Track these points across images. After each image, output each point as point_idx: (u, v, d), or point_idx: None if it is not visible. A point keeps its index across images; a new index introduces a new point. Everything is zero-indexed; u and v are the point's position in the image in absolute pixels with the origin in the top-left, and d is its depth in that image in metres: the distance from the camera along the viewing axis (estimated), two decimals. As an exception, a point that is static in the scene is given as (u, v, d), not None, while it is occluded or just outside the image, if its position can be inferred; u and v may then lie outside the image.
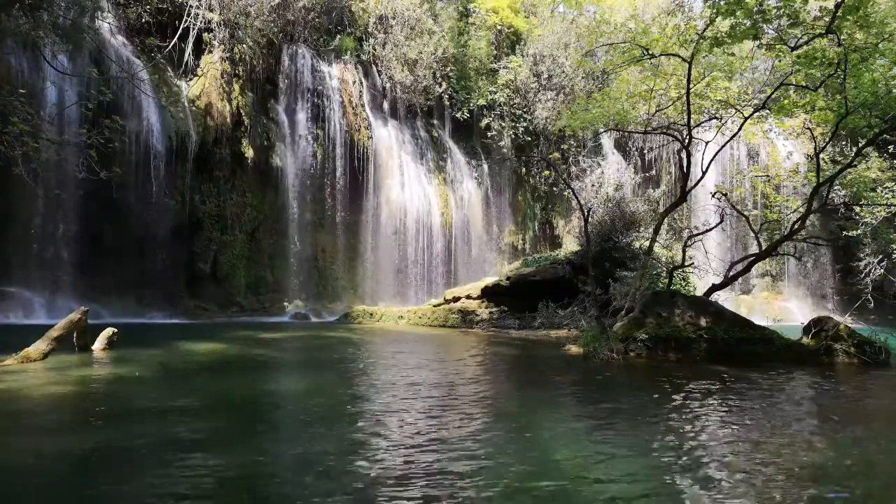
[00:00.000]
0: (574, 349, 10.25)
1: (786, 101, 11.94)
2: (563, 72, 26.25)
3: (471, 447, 4.19)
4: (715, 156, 12.75)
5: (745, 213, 14.94)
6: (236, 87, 20.57)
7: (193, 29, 19.57)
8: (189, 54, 19.72)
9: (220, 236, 19.73)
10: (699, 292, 13.35)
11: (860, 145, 11.67)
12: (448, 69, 25.36)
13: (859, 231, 18.77)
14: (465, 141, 26.92)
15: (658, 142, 27.12)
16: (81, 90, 15.94)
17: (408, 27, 24.45)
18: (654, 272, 14.79)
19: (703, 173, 12.67)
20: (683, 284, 15.89)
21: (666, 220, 14.64)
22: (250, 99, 21.02)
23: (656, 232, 12.63)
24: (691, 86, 11.31)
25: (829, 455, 4.29)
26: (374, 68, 24.42)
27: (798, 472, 3.82)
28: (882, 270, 20.47)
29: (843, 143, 20.18)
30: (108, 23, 18.06)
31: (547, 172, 26.38)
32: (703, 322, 9.75)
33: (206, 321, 17.31)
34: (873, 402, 6.75)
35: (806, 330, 10.17)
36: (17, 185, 14.05)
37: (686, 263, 13.10)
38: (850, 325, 10.10)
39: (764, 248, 12.63)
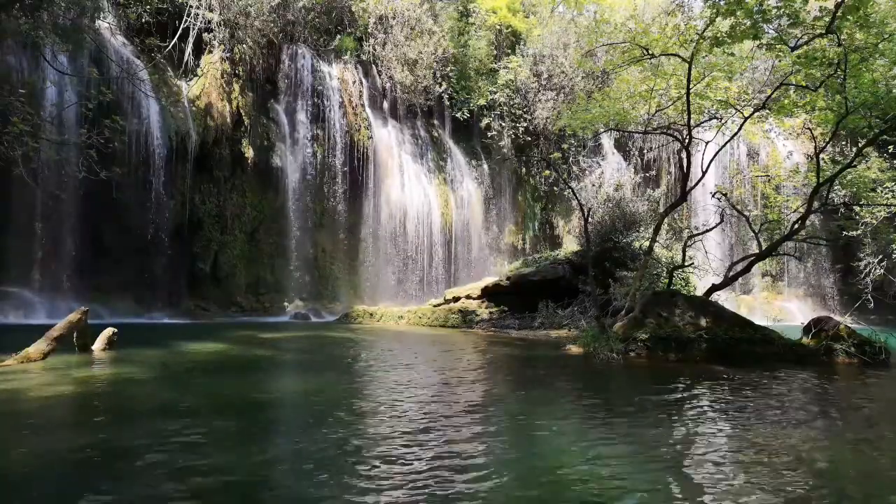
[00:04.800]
0: (574, 349, 10.25)
1: (786, 101, 11.95)
2: (563, 72, 26.24)
3: (471, 447, 4.19)
4: (715, 156, 12.77)
5: (745, 213, 14.94)
6: (236, 87, 20.57)
7: (193, 29, 19.57)
8: (189, 54, 19.72)
9: (220, 236, 19.73)
10: (699, 292, 13.35)
11: (860, 145, 11.67)
12: (448, 69, 25.35)
13: (859, 231, 18.77)
14: (465, 141, 26.92)
15: (658, 142, 27.11)
16: (81, 90, 15.93)
17: (408, 27, 24.45)
18: (654, 272, 14.80)
19: (703, 173, 12.68)
20: (683, 284, 15.89)
21: (666, 220, 14.65)
22: (250, 99, 21.02)
23: (656, 232, 12.64)
24: (691, 86, 11.32)
25: (830, 455, 4.29)
26: (374, 68, 24.42)
27: (799, 472, 3.82)
28: (882, 270, 20.49)
29: (843, 143, 20.21)
30: (108, 23, 18.09)
31: (547, 172, 26.38)
32: (703, 322, 9.75)
33: (206, 321, 17.31)
34: (873, 402, 6.75)
35: (806, 330, 10.17)
36: (17, 185, 14.07)
37: (686, 263, 13.11)
38: (850, 325, 10.10)
39: (764, 248, 12.63)
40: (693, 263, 13.66)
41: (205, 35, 19.95)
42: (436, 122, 26.44)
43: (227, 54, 20.34)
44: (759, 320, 11.38)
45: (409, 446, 4.17)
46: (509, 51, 27.16)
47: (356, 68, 23.84)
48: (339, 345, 11.47)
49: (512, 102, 26.31)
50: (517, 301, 16.49)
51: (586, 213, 12.48)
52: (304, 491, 3.34)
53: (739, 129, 12.87)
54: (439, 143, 26.07)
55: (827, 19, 9.44)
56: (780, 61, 12.54)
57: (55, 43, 13.90)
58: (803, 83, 10.96)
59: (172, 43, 19.15)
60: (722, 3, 9.83)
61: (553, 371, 8.53)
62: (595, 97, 15.19)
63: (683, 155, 12.73)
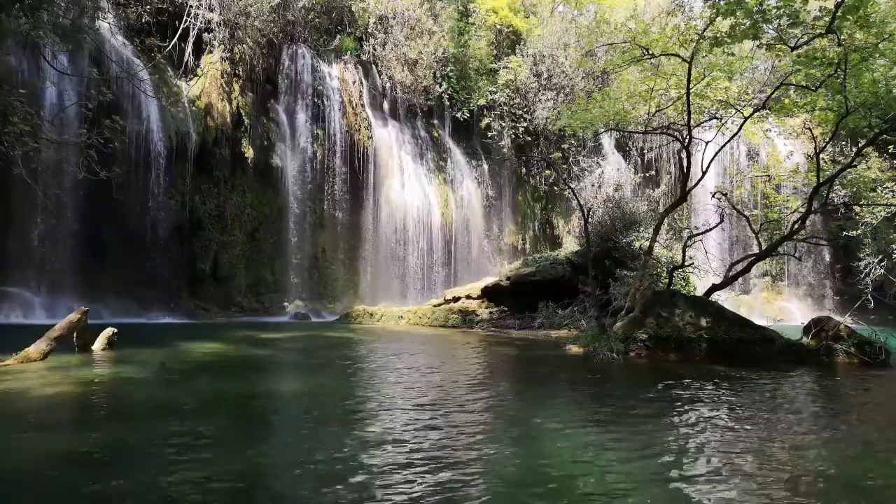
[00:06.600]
0: (574, 349, 10.25)
1: (786, 101, 11.95)
2: (563, 72, 26.24)
3: (471, 447, 4.19)
4: (715, 156, 12.76)
5: (745, 213, 14.94)
6: (236, 87, 20.56)
7: (193, 29, 19.56)
8: (189, 54, 19.71)
9: (220, 236, 19.71)
10: (699, 292, 13.34)
11: (860, 145, 11.67)
12: (448, 69, 25.35)
13: (859, 231, 18.76)
14: (465, 141, 26.92)
15: (658, 142, 27.11)
16: (81, 90, 15.92)
17: (408, 27, 24.45)
18: (654, 272, 14.79)
19: (703, 173, 12.67)
20: (683, 284, 15.89)
21: (666, 220, 14.64)
22: (250, 99, 21.00)
23: (656, 232, 12.64)
24: (691, 86, 11.32)
25: (830, 455, 4.29)
26: (374, 68, 24.41)
27: (799, 472, 3.82)
28: (882, 270, 20.47)
29: (843, 143, 20.19)
30: (108, 23, 18.05)
31: (547, 172, 26.38)
32: (703, 322, 9.74)
33: (206, 321, 17.30)
34: (873, 402, 6.75)
35: (806, 330, 10.16)
36: (17, 185, 14.06)
37: (686, 263, 13.09)
38: (850, 325, 10.10)
39: (764, 248, 12.63)
40: (693, 263, 13.65)
41: (205, 35, 19.93)
42: (436, 122, 26.43)
43: (227, 54, 20.33)
44: (758, 320, 11.39)
45: (409, 446, 4.17)
46: (509, 51, 27.16)
47: (356, 68, 23.83)
48: (339, 345, 11.47)
49: (512, 102, 26.31)
50: (517, 301, 16.47)
51: (586, 213, 12.49)
52: (304, 491, 3.34)
53: (739, 129, 12.86)
54: (439, 143, 26.06)
55: (827, 19, 9.44)
56: (780, 61, 12.55)
57: (55, 43, 13.86)
58: (803, 83, 10.95)
59: (172, 43, 19.13)
60: (722, 3, 9.83)
61: (553, 371, 8.53)
62: (595, 97, 15.18)
63: (683, 155, 12.73)
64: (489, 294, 17.44)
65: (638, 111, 14.12)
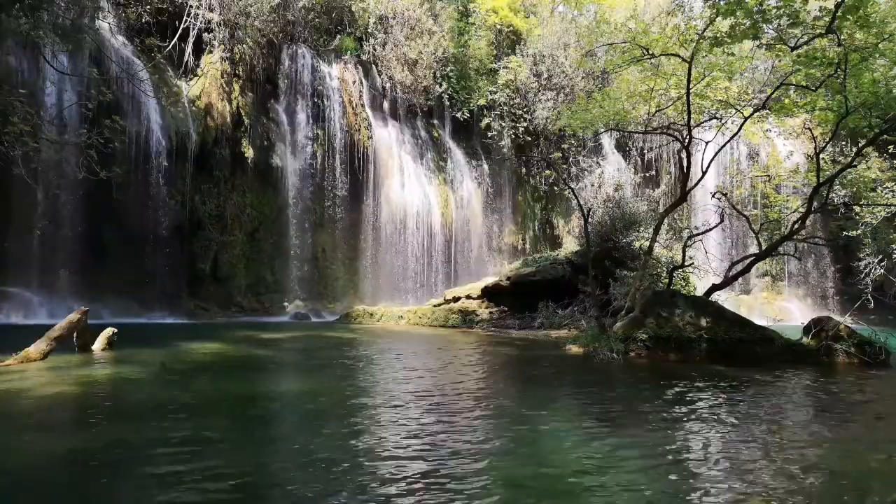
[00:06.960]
0: (574, 349, 10.25)
1: (786, 101, 11.95)
2: (563, 72, 26.25)
3: (472, 447, 4.19)
4: (715, 156, 12.76)
5: (745, 213, 14.94)
6: (236, 87, 20.57)
7: (193, 29, 19.57)
8: (189, 54, 19.71)
9: (220, 236, 19.72)
10: (699, 292, 13.34)
11: (860, 145, 11.67)
12: (448, 69, 25.36)
13: (859, 231, 18.77)
14: (466, 141, 26.92)
15: (658, 142, 27.11)
16: (81, 90, 15.92)
17: (408, 27, 24.45)
18: (654, 272, 14.79)
19: (703, 173, 12.67)
20: (683, 284, 15.89)
21: (666, 220, 14.64)
22: (250, 99, 21.01)
23: (656, 232, 12.63)
24: (691, 86, 11.32)
25: (830, 455, 4.29)
26: (374, 68, 24.42)
27: (798, 472, 3.82)
28: (882, 270, 20.47)
29: (843, 143, 20.20)
30: (108, 23, 18.06)
31: (547, 172, 26.39)
32: (703, 322, 9.74)
33: (206, 321, 17.30)
34: (873, 402, 6.75)
35: (806, 330, 10.16)
36: (17, 185, 14.06)
37: (686, 263, 13.09)
38: (850, 325, 10.10)
39: (764, 248, 12.63)
40: (693, 263, 13.65)
41: (205, 35, 19.94)
42: (436, 122, 26.44)
43: (227, 54, 20.33)
44: (759, 320, 11.39)
45: (411, 449, 4.17)
46: (509, 51, 27.16)
47: (356, 68, 23.84)
48: (339, 345, 11.47)
49: (512, 102, 26.31)
50: (517, 301, 16.47)
51: (586, 213, 12.49)
52: (303, 491, 3.34)
53: (739, 129, 12.86)
54: (439, 143, 26.07)
55: (827, 19, 9.44)
56: (780, 61, 12.55)
57: (55, 43, 13.86)
58: (803, 83, 10.95)
59: (172, 43, 19.14)
60: (722, 3, 9.83)
61: (554, 371, 8.53)
62: (595, 97, 15.19)
63: (683, 155, 12.73)
64: (489, 294, 17.44)
65: (638, 111, 14.12)
